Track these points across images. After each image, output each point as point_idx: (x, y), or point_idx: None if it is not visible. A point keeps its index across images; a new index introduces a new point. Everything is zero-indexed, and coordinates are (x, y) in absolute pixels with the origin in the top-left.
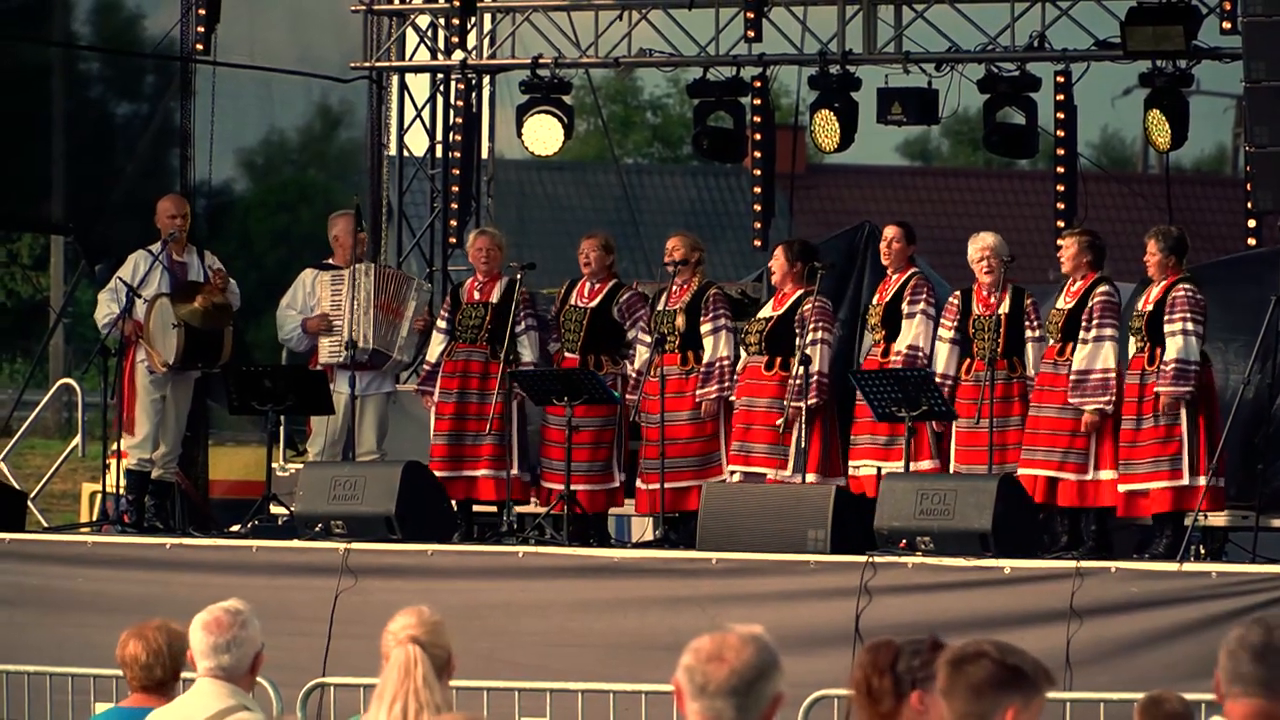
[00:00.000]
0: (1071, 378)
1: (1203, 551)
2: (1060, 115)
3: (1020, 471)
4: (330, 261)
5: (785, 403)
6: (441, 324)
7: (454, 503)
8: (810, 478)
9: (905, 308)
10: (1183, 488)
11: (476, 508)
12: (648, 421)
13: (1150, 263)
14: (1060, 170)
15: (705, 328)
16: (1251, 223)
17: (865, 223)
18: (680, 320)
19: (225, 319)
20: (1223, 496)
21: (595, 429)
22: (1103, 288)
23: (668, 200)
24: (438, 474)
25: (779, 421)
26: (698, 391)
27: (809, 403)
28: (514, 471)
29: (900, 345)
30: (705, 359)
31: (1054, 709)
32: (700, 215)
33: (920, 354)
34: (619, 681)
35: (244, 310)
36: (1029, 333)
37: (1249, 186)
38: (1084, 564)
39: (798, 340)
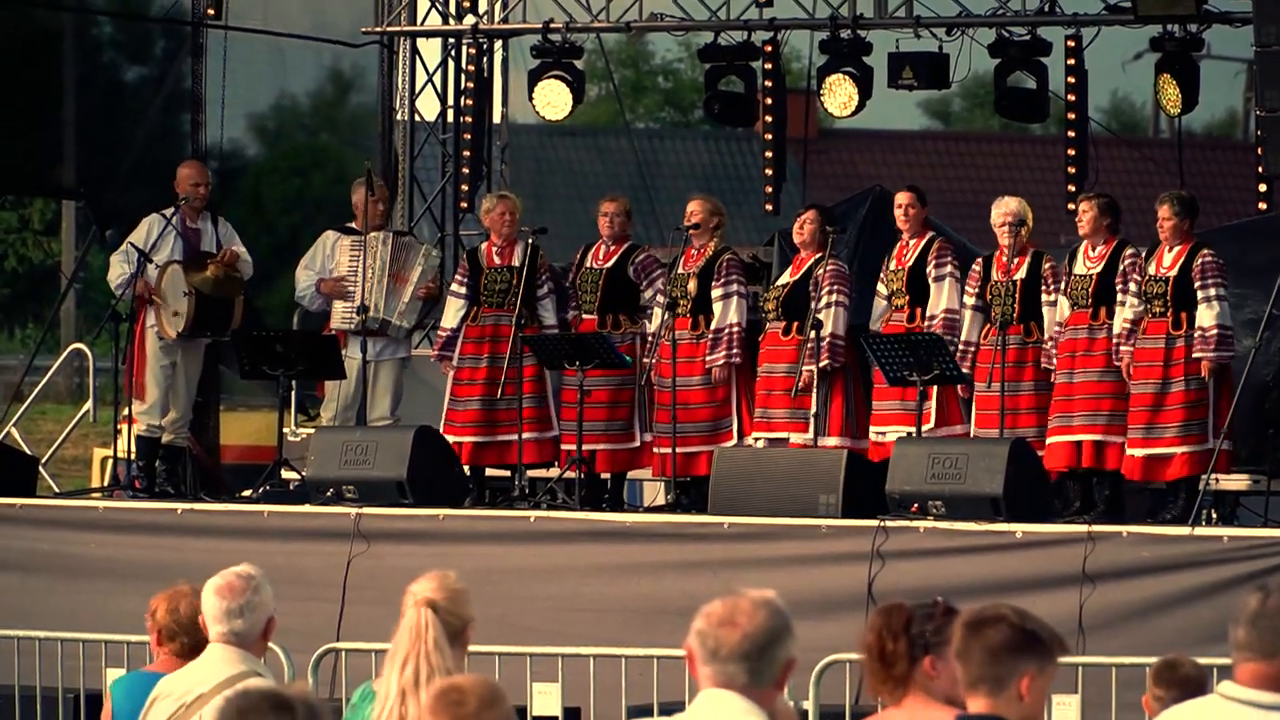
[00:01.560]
0: (1198, 336)
1: (1214, 516)
2: (1071, 79)
3: (1056, 439)
4: (352, 225)
5: (799, 367)
6: (460, 289)
7: (479, 469)
8: (833, 440)
9: (932, 272)
10: (1206, 451)
11: (489, 472)
12: (660, 385)
13: (1165, 227)
14: (1071, 134)
15: (716, 292)
16: (1262, 187)
17: (876, 186)
18: (692, 284)
19: (237, 288)
20: (1228, 459)
21: (613, 388)
22: (1130, 250)
23: (682, 165)
24: (470, 439)
25: (795, 386)
26: (707, 357)
27: (820, 365)
28: (550, 434)
29: (935, 310)
30: (714, 324)
31: (1066, 673)
32: (715, 180)
33: (958, 316)
34: (634, 646)
35: (255, 276)
36: (1045, 297)
37: (1260, 151)
38: (1096, 528)
39: (812, 304)
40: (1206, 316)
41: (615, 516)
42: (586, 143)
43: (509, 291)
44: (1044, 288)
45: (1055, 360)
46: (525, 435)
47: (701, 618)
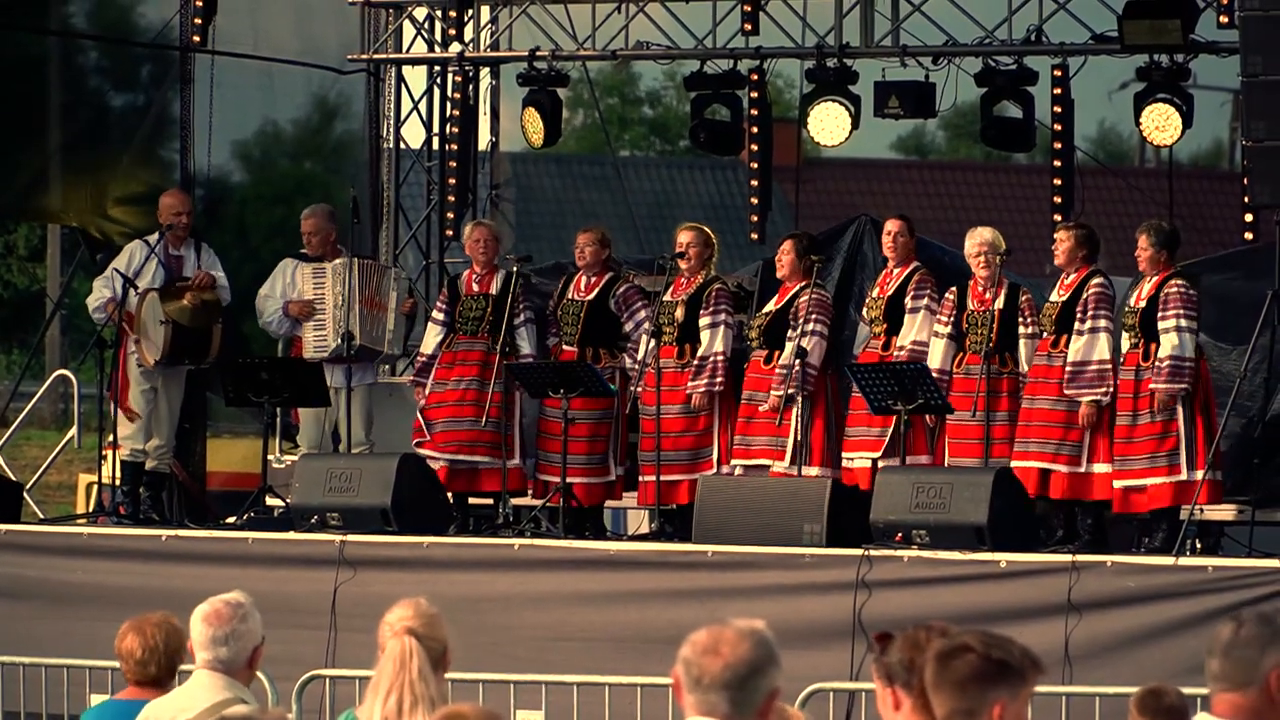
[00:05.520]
0: (1067, 370)
1: (1199, 546)
2: (1057, 109)
3: (1014, 464)
4: (305, 252)
5: (769, 391)
6: (439, 315)
7: (450, 495)
8: (813, 470)
9: (909, 302)
10: (1182, 483)
11: (473, 500)
12: (644, 413)
13: (1142, 258)
14: (1057, 164)
15: (703, 321)
16: (1249, 217)
17: (863, 215)
18: (680, 312)
19: (213, 316)
20: (1220, 490)
21: (592, 421)
22: (1096, 280)
23: (665, 192)
24: (430, 464)
25: (763, 407)
26: (688, 385)
27: (788, 391)
28: (514, 462)
29: (904, 340)
30: (700, 352)
31: (1052, 703)
32: (703, 208)
33: (924, 348)
34: (619, 674)
35: (240, 302)
36: (1022, 329)
37: (1246, 181)
38: (1080, 558)
39: (790, 331)
40: (1164, 346)
41: (599, 545)
42: (591, 171)
43: (482, 320)
44: (1021, 319)
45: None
46: (481, 459)
47: (687, 645)
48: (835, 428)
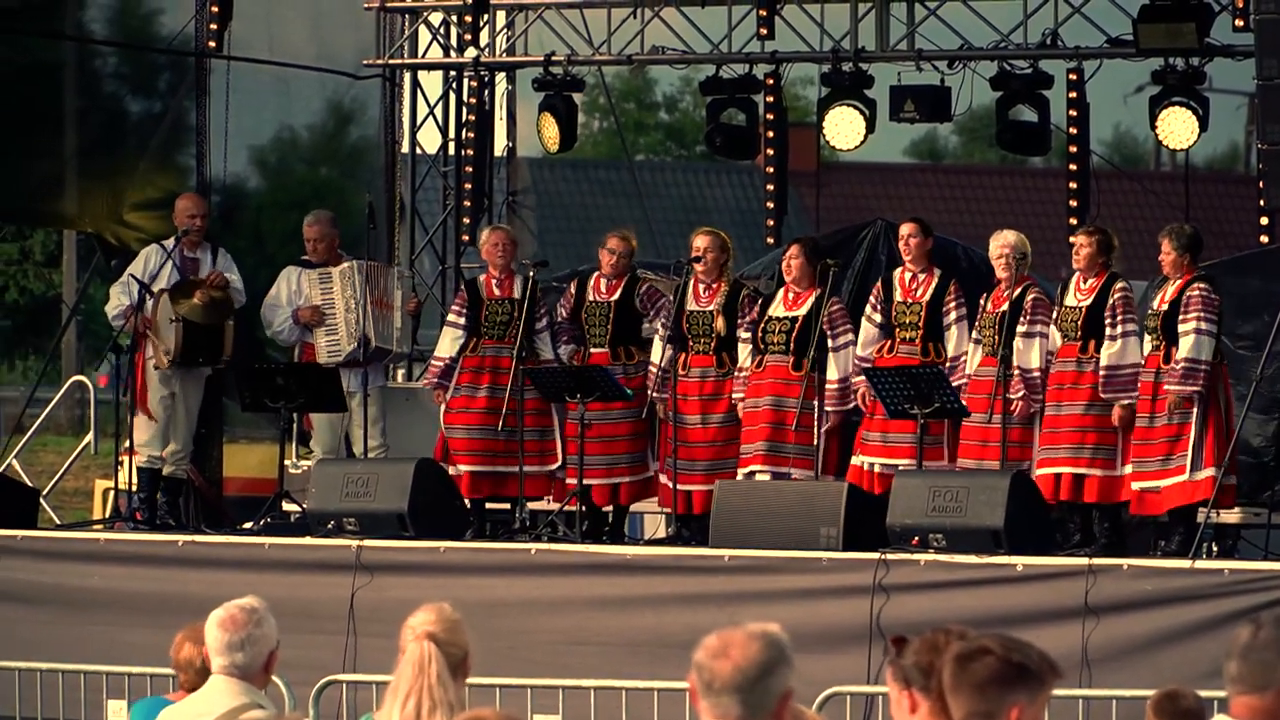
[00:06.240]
0: (1101, 373)
1: (1215, 549)
2: (1073, 112)
3: (1040, 471)
4: (308, 259)
5: (826, 409)
6: (458, 319)
7: (473, 501)
8: (828, 477)
9: (953, 314)
10: (1192, 482)
11: (489, 505)
12: (684, 422)
13: (1165, 262)
14: (1072, 168)
15: (742, 334)
16: (1264, 220)
17: (878, 219)
18: (720, 323)
19: (224, 314)
20: (1233, 493)
21: (632, 420)
22: (1120, 284)
23: (684, 198)
24: (468, 469)
25: (825, 429)
26: (733, 394)
27: (848, 407)
28: (553, 466)
29: (959, 352)
30: (740, 362)
31: (1070, 706)
32: (738, 214)
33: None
34: (636, 679)
35: (255, 308)
36: (1020, 328)
37: (1261, 184)
38: (1097, 561)
39: (830, 343)
40: (1181, 348)
41: (616, 549)
42: (599, 176)
43: (510, 324)
44: (1020, 318)
45: (1041, 392)
46: (526, 469)
47: (699, 650)
48: (845, 435)
